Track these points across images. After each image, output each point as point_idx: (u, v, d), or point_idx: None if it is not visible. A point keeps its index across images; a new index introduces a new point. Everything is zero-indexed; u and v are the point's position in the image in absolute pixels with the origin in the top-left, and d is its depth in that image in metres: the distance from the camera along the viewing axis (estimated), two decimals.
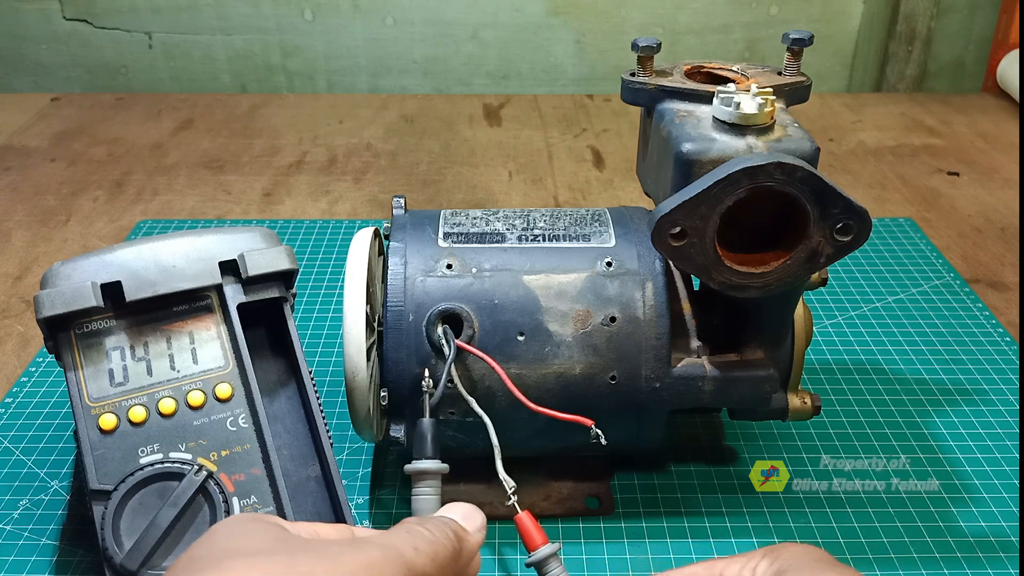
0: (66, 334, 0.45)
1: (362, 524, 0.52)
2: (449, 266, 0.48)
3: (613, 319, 0.47)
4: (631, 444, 0.50)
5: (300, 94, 1.26)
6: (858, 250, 0.43)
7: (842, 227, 0.42)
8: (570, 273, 0.48)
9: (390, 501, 0.53)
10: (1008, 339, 0.69)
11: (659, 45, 0.48)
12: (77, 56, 1.28)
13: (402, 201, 0.52)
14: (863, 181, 0.96)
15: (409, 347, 0.47)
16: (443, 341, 0.46)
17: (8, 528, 0.51)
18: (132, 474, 0.42)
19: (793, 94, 0.48)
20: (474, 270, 0.48)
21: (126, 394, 0.44)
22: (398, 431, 0.48)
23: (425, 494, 0.41)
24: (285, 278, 0.48)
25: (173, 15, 1.25)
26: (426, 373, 0.44)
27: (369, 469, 0.56)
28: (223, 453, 0.44)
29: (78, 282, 0.44)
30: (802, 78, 0.48)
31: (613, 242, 0.49)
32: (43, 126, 1.09)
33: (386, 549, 0.30)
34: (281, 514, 0.43)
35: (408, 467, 0.42)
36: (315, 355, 0.67)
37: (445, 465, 0.42)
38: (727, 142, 0.43)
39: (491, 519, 0.51)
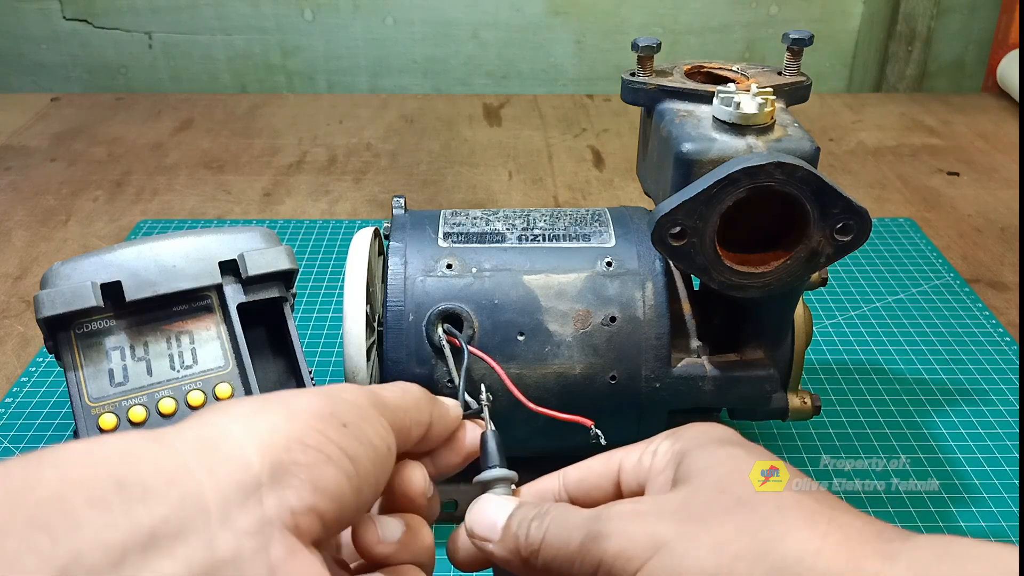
0: (66, 334, 0.45)
1: None
2: (449, 266, 0.48)
3: (613, 319, 0.47)
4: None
5: (300, 94, 1.26)
6: (858, 250, 0.43)
7: (842, 227, 0.42)
8: (570, 273, 0.48)
9: None
10: (1008, 339, 0.69)
11: (659, 45, 0.48)
12: (77, 56, 1.28)
13: (402, 201, 0.52)
14: (863, 181, 0.96)
15: (409, 347, 0.47)
16: (443, 342, 0.46)
17: None
18: None
19: (793, 94, 0.48)
20: (474, 270, 0.48)
21: (126, 394, 0.44)
22: None
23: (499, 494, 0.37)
24: (285, 278, 0.48)
25: (173, 15, 1.25)
26: (483, 387, 0.40)
27: None
28: None
29: (78, 282, 0.44)
30: (802, 78, 0.48)
31: (613, 242, 0.49)
32: (43, 126, 1.09)
33: (357, 385, 0.31)
34: None
35: (477, 478, 0.38)
36: (315, 355, 0.67)
37: (513, 472, 0.38)
38: (727, 142, 0.43)
39: None
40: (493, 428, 0.38)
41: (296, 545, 0.25)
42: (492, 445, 0.37)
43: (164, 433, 0.25)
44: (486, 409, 0.39)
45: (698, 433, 0.33)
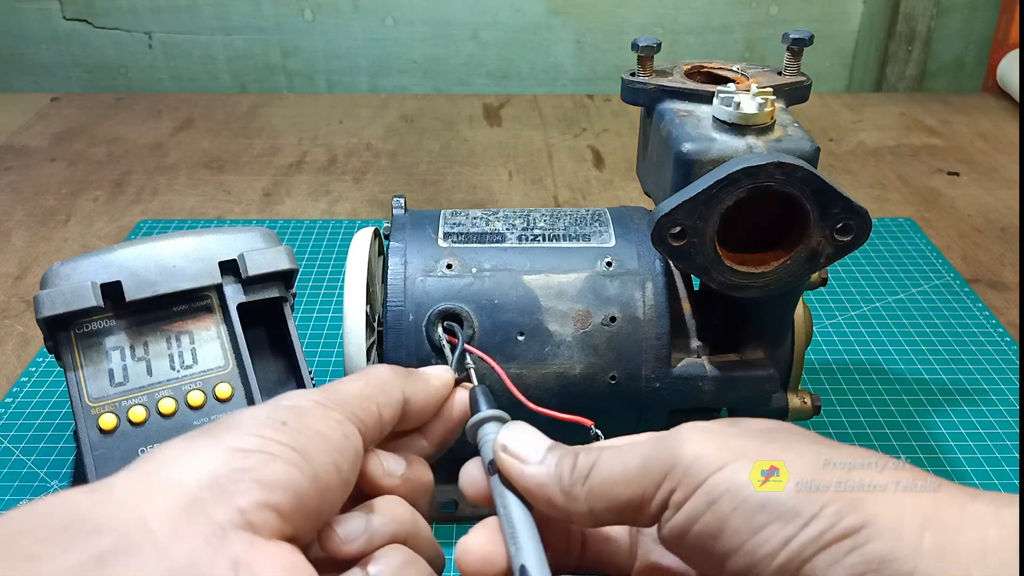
0: (66, 334, 0.45)
1: None
2: (449, 266, 0.48)
3: (613, 319, 0.47)
4: None
5: (300, 94, 1.26)
6: (858, 250, 0.43)
7: (842, 227, 0.42)
8: (570, 273, 0.48)
9: None
10: (1008, 339, 0.69)
11: (659, 45, 0.48)
12: (77, 56, 1.28)
13: (402, 201, 0.52)
14: (863, 181, 0.96)
15: (409, 347, 0.47)
16: (443, 342, 0.46)
17: None
18: None
19: (793, 94, 0.48)
20: (474, 270, 0.48)
21: (126, 394, 0.44)
22: None
23: (490, 432, 0.34)
24: (285, 278, 0.48)
25: (173, 15, 1.25)
26: (466, 356, 0.40)
27: None
28: None
29: (78, 282, 0.44)
30: (802, 78, 0.48)
31: (613, 242, 0.49)
32: (43, 126, 1.09)
33: (304, 390, 0.31)
34: None
35: (471, 420, 0.35)
36: (315, 355, 0.67)
37: (505, 414, 0.35)
38: (727, 142, 0.43)
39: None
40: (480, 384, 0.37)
41: (255, 539, 0.25)
42: (480, 395, 0.36)
43: (100, 483, 0.26)
44: (472, 371, 0.38)
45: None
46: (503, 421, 0.35)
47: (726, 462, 0.27)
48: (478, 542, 0.31)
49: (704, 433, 0.28)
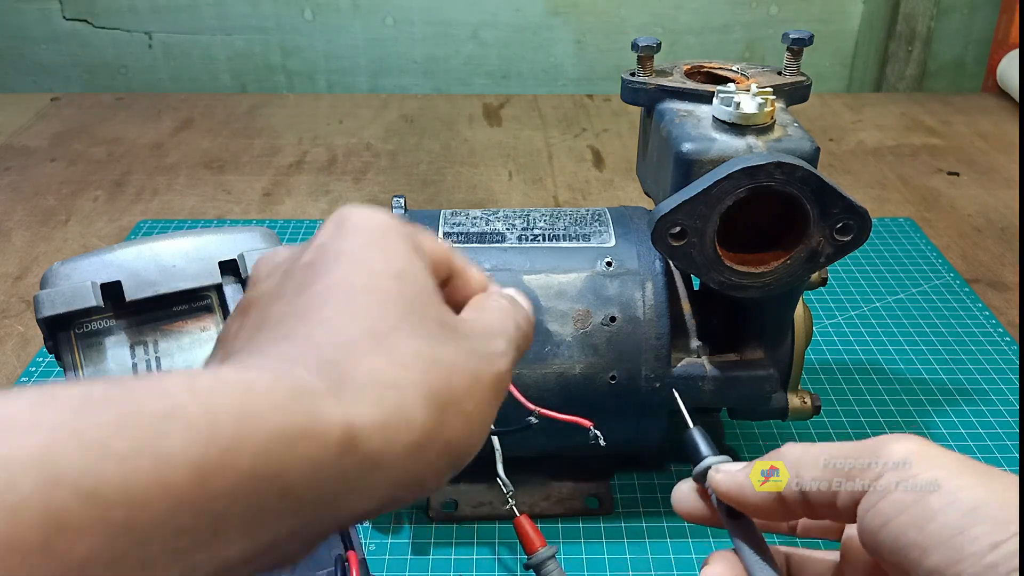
0: (66, 334, 0.45)
1: (361, 529, 0.51)
2: None
3: (613, 319, 0.47)
4: (631, 444, 0.50)
5: (300, 94, 1.26)
6: (858, 250, 0.43)
7: (842, 227, 0.42)
8: (570, 273, 0.48)
9: None
10: (1008, 339, 0.69)
11: (659, 45, 0.48)
12: (77, 56, 1.28)
13: (402, 201, 0.52)
14: (863, 181, 0.96)
15: None
16: None
17: None
18: None
19: (793, 94, 0.48)
20: None
21: None
22: None
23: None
24: None
25: (173, 15, 1.25)
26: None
27: None
28: None
29: (78, 282, 0.44)
30: (802, 78, 0.48)
31: (613, 242, 0.49)
32: (43, 126, 1.09)
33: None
34: None
35: (696, 470, 0.35)
36: None
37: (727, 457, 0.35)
38: (727, 142, 0.43)
39: (491, 519, 0.51)
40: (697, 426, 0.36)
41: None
42: (698, 437, 0.35)
43: None
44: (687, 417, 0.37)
45: None
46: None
47: (937, 463, 0.29)
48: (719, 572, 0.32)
49: (908, 437, 0.30)
